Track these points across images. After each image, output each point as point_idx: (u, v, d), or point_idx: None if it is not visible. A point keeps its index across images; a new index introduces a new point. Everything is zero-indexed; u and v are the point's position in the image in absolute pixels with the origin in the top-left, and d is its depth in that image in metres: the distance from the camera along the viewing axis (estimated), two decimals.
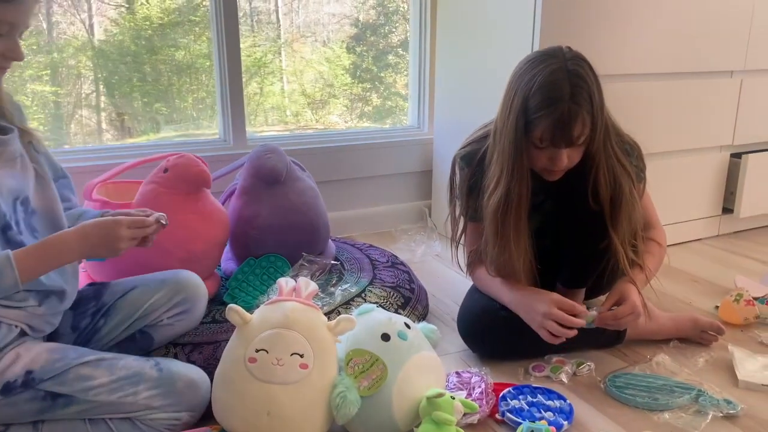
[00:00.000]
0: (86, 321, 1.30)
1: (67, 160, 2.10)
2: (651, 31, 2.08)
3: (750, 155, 2.39)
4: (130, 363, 1.18)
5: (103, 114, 2.37)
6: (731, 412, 1.30)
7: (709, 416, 1.28)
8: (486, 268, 1.54)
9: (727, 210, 2.48)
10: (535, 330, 1.44)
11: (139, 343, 1.33)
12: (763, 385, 1.41)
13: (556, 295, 1.44)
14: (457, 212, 1.62)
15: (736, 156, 2.41)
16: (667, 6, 2.09)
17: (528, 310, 1.45)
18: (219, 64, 2.27)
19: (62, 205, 1.26)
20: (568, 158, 1.39)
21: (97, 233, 1.12)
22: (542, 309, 1.41)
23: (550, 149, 1.39)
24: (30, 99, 2.18)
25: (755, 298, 1.73)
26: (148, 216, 1.20)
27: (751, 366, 1.47)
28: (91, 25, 2.26)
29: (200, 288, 1.40)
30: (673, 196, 2.31)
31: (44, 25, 2.18)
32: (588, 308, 1.44)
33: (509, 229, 1.45)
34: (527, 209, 1.46)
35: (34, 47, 2.15)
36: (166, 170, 1.56)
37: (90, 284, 1.39)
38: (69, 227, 1.24)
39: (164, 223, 1.21)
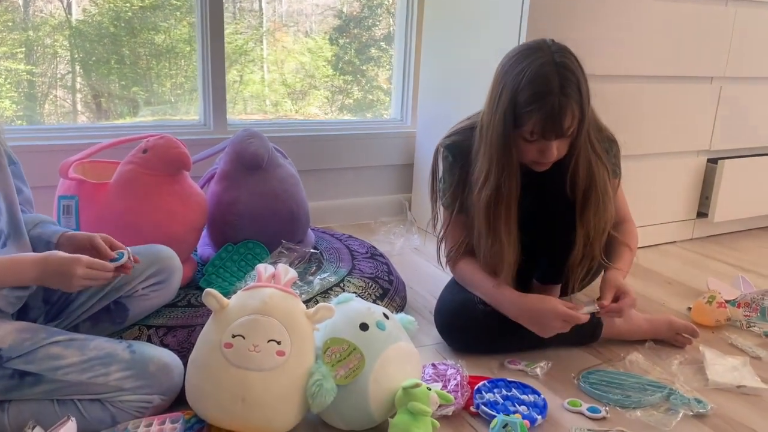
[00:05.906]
0: (59, 293, 1.27)
1: (42, 138, 2.06)
2: (635, 33, 2.10)
3: (726, 161, 2.42)
4: (102, 344, 1.15)
5: (78, 95, 2.32)
6: (701, 411, 1.32)
7: (680, 415, 1.30)
8: (479, 261, 1.54)
9: (702, 214, 2.51)
10: (540, 333, 1.44)
11: (113, 314, 1.31)
12: (734, 385, 1.43)
13: (557, 300, 1.45)
14: (440, 204, 1.61)
15: (713, 161, 2.45)
16: (652, 10, 2.11)
17: (539, 316, 1.43)
18: (202, 48, 2.24)
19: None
20: (557, 150, 1.39)
21: (56, 268, 1.09)
22: (558, 312, 1.40)
23: (540, 142, 1.39)
24: (3, 77, 2.12)
25: (727, 301, 1.76)
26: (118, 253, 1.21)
27: (721, 367, 1.49)
28: (69, 4, 2.21)
29: (175, 260, 1.39)
30: (650, 198, 2.33)
31: (20, 2, 2.12)
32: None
33: (500, 222, 1.45)
34: (517, 202, 1.46)
35: (9, 24, 2.09)
36: (145, 151, 1.53)
37: None
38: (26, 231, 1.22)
39: (131, 265, 1.21)
